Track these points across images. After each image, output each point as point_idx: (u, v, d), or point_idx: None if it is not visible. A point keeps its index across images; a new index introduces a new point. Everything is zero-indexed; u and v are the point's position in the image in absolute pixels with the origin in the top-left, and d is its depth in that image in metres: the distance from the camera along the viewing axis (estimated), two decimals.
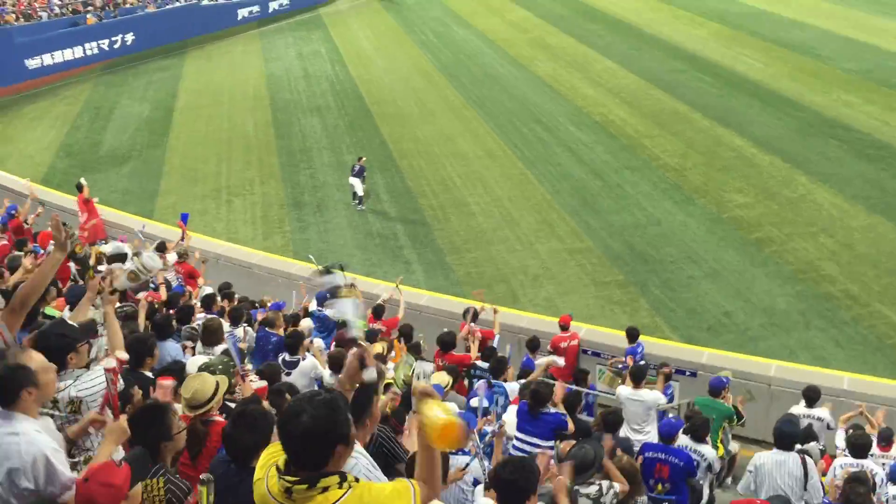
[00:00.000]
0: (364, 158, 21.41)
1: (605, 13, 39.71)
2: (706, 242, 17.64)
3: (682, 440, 8.22)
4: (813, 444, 8.74)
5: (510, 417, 8.04)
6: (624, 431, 8.87)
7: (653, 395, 9.38)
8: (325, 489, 2.96)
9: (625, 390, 9.49)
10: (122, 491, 3.63)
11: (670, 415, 10.12)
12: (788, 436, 7.44)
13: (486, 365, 10.07)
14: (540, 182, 21.30)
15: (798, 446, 7.79)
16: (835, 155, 21.39)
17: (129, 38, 38.18)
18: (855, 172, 20.26)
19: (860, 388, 11.27)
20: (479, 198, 20.70)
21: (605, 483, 6.11)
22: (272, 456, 3.16)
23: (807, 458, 7.31)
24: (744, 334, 14.43)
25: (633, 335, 11.69)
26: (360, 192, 20.68)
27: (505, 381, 9.35)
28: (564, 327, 12.32)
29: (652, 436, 9.00)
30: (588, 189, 20.64)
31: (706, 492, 8.47)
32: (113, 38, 37.47)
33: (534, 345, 11.55)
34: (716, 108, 25.51)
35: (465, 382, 10.17)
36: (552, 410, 7.87)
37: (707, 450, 8.31)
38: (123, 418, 4.35)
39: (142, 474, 4.00)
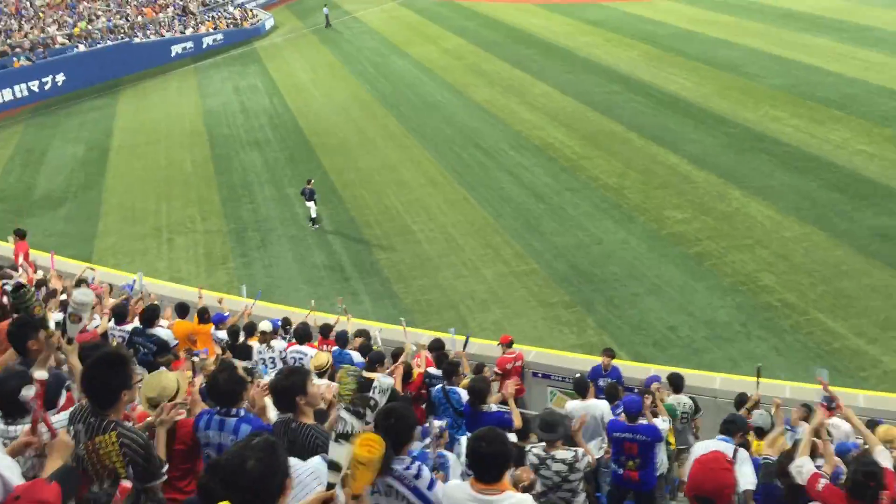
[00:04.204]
0: (312, 181, 21.59)
1: (538, 38, 40.45)
2: (648, 259, 17.99)
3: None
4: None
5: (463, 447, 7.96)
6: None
7: (602, 405, 9.43)
8: None
9: (573, 404, 9.48)
10: None
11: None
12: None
13: (438, 372, 10.00)
14: (482, 207, 21.50)
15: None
16: (766, 168, 22.06)
17: (60, 78, 37.60)
18: (785, 184, 20.92)
19: (801, 395, 11.51)
20: (423, 225, 20.78)
21: (580, 450, 6.20)
22: None
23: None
24: (688, 347, 14.73)
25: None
26: (314, 215, 21.12)
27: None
28: (508, 345, 12.37)
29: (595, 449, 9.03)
30: (531, 211, 20.90)
31: (665, 462, 8.66)
32: (43, 80, 36.89)
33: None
34: (650, 127, 26.11)
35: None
36: (494, 409, 7.80)
37: (658, 423, 8.50)
38: (63, 432, 4.25)
39: (72, 491, 3.91)
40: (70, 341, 5.36)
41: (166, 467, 4.51)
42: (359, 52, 42.04)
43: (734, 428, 7.62)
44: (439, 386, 8.95)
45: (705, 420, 10.70)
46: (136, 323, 10.10)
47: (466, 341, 11.97)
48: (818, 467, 5.87)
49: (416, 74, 36.36)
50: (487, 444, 4.37)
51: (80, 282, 12.99)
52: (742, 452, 7.40)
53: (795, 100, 27.27)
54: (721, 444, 7.37)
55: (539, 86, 32.15)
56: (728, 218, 19.48)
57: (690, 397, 10.26)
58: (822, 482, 5.50)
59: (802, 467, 5.78)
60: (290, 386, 5.01)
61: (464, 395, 8.43)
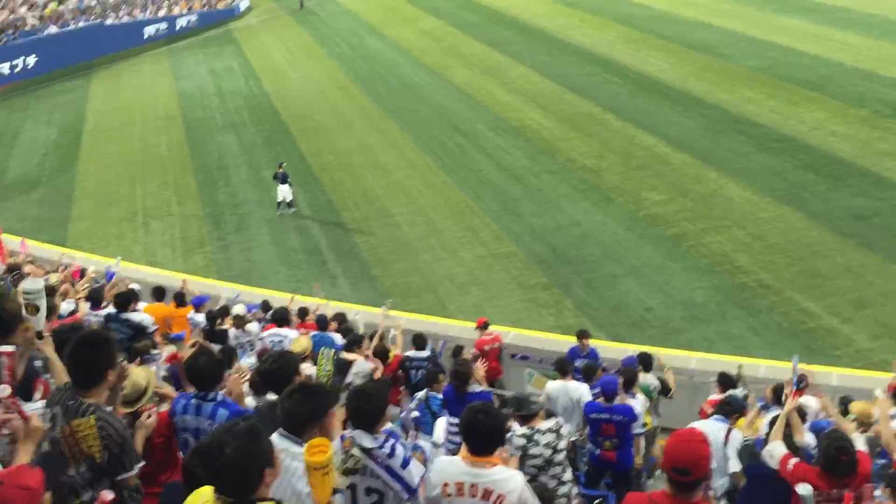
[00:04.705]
0: (284, 164, 21.52)
1: (515, 19, 40.31)
2: (625, 240, 18.06)
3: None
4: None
5: (438, 431, 8.00)
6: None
7: (582, 388, 9.45)
8: None
9: (554, 384, 9.48)
10: (38, 493, 3.51)
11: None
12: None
13: (422, 354, 9.99)
14: (461, 189, 21.47)
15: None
16: (742, 150, 22.18)
17: (31, 60, 36.97)
18: (761, 165, 21.04)
19: (776, 374, 11.64)
20: (401, 208, 20.73)
21: (559, 418, 6.26)
22: (203, 493, 3.17)
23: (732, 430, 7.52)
24: (666, 328, 14.84)
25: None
26: (290, 198, 21.00)
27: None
28: (484, 327, 12.41)
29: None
30: (509, 193, 20.89)
31: (643, 445, 8.75)
32: (14, 62, 36.23)
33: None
34: (628, 109, 26.15)
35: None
36: (477, 389, 7.86)
37: (635, 403, 8.55)
38: (35, 416, 4.19)
39: (53, 476, 3.87)
40: (40, 335, 5.25)
41: (141, 463, 4.46)
42: (335, 34, 41.70)
43: (730, 409, 7.71)
44: (422, 393, 8.97)
45: (683, 399, 10.79)
46: (111, 308, 9.99)
47: (442, 347, 11.95)
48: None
49: (394, 56, 36.14)
50: (486, 415, 4.37)
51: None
52: (735, 433, 7.49)
53: (771, 81, 27.40)
54: (716, 425, 7.46)
55: (517, 67, 32.07)
56: (705, 199, 19.58)
57: (658, 377, 10.26)
58: (793, 461, 5.58)
59: (774, 451, 5.86)
60: (285, 366, 5.05)
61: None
